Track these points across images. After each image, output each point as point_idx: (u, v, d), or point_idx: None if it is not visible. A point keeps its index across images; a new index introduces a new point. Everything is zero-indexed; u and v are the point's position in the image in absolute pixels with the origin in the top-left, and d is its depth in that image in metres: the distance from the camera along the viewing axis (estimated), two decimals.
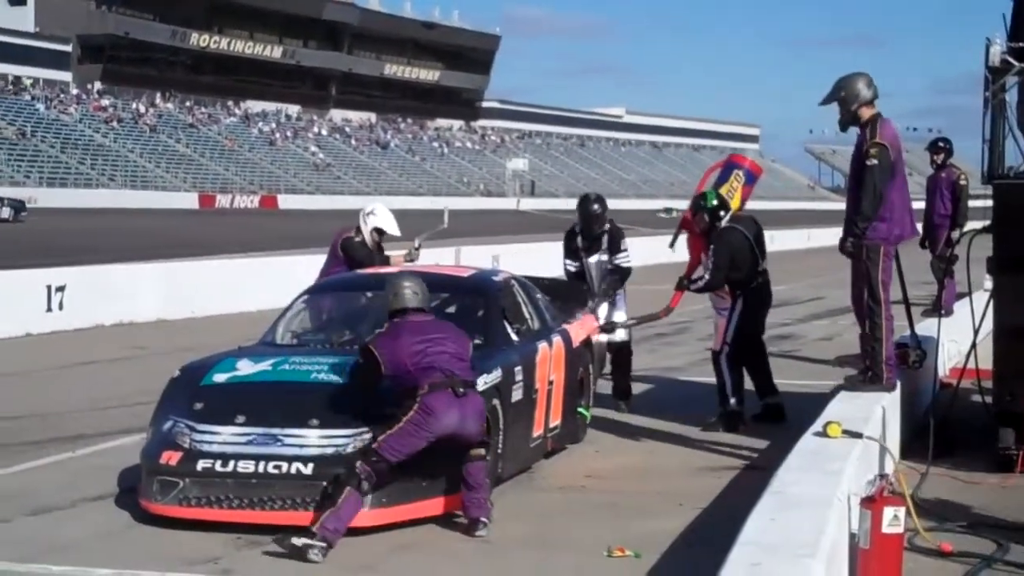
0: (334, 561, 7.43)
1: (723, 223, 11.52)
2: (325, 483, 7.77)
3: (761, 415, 11.72)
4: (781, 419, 11.52)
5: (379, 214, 12.05)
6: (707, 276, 11.48)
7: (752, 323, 11.67)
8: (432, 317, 8.38)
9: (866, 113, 9.41)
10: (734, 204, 11.94)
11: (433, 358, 7.90)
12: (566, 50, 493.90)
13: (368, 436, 8.01)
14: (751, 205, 12.52)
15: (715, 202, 11.60)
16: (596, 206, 12.66)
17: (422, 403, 7.75)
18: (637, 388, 13.17)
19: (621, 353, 12.64)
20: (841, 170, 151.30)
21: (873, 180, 9.25)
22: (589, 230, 12.70)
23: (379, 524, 7.90)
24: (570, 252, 12.89)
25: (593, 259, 12.61)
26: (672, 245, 12.29)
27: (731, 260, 11.39)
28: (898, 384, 9.59)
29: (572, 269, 12.82)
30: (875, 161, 9.24)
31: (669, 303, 12.07)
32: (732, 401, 11.39)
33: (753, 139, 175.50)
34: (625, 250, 12.77)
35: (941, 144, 17.57)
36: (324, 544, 7.42)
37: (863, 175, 9.35)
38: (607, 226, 12.68)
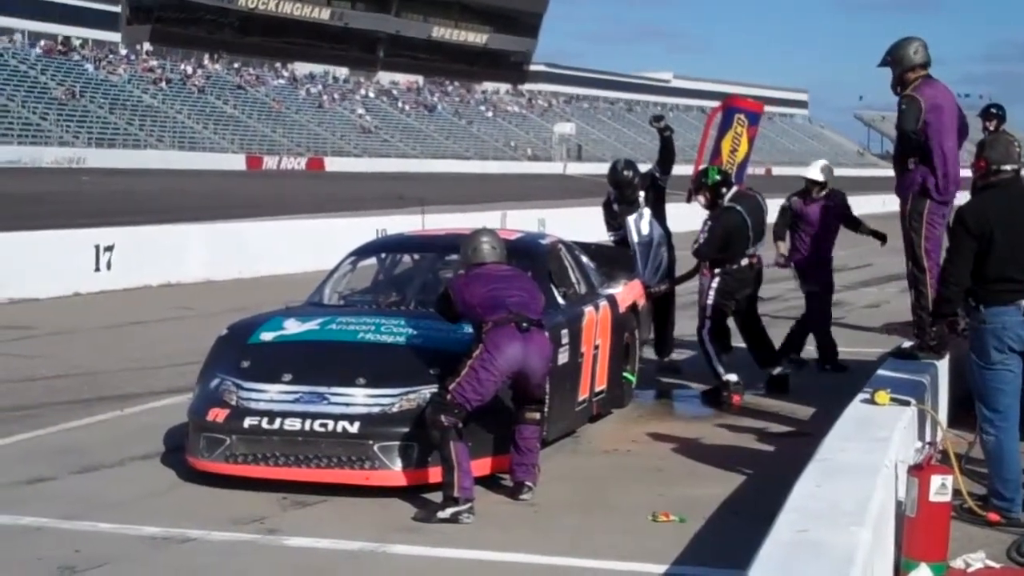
0: (379, 524, 7.45)
1: (726, 200, 11.43)
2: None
3: (766, 387, 11.67)
4: (784, 391, 11.48)
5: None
6: (697, 246, 11.46)
7: (733, 304, 11.53)
8: (510, 268, 8.32)
9: (912, 78, 9.35)
10: (742, 149, 11.94)
11: (500, 298, 7.90)
12: (614, 14, 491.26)
13: (414, 396, 8.04)
14: (787, 172, 12.49)
15: (717, 177, 11.53)
16: (627, 172, 12.66)
17: (486, 339, 7.77)
18: (683, 354, 13.13)
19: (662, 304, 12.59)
20: (891, 136, 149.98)
21: (902, 125, 9.31)
22: (623, 196, 12.69)
23: (423, 483, 7.92)
24: (609, 223, 12.89)
25: (632, 216, 12.54)
26: (689, 200, 12.22)
27: (724, 239, 11.32)
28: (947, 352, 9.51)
29: (616, 240, 12.80)
30: (903, 107, 9.30)
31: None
32: (720, 370, 11.30)
33: (802, 104, 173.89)
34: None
35: (994, 111, 17.34)
36: (469, 504, 7.49)
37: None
38: (641, 194, 12.62)
